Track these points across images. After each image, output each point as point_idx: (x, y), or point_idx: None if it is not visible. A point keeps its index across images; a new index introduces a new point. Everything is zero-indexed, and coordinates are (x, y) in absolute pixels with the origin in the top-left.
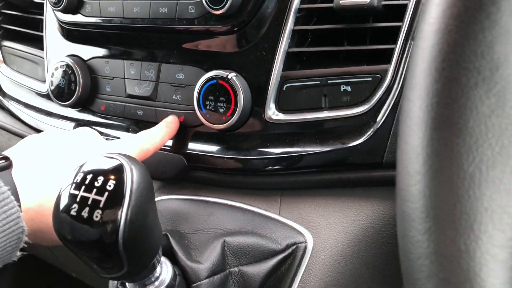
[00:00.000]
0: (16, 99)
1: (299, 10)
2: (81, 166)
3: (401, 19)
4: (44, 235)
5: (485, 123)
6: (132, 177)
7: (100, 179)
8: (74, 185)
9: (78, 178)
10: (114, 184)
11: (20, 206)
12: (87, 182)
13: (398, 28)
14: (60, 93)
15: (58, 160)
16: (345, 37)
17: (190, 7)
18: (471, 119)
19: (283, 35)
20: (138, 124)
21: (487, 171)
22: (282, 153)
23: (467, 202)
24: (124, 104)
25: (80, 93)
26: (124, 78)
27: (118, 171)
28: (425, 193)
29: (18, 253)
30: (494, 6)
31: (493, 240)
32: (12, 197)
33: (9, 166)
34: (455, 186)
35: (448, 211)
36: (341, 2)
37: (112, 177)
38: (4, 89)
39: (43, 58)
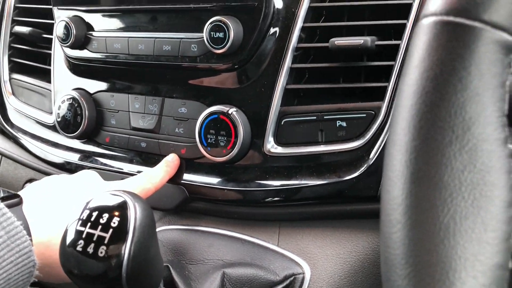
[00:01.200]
0: (24, 130)
1: (297, 49)
2: (87, 203)
3: (394, 58)
4: (53, 270)
5: (458, 177)
6: (135, 214)
7: (105, 216)
8: (80, 221)
9: (84, 215)
10: (118, 221)
11: (31, 240)
12: (92, 219)
13: (391, 67)
14: (66, 125)
15: (65, 199)
16: (340, 74)
17: (192, 45)
18: (446, 174)
19: (281, 72)
20: (142, 155)
21: (461, 222)
22: (280, 185)
23: (443, 250)
24: (128, 136)
25: (85, 125)
26: (129, 111)
27: (122, 208)
28: (404, 241)
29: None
30: (465, 71)
31: (466, 286)
32: (24, 232)
33: (19, 202)
34: (432, 236)
35: (426, 258)
36: (336, 42)
37: (116, 213)
38: (12, 120)
39: (50, 90)
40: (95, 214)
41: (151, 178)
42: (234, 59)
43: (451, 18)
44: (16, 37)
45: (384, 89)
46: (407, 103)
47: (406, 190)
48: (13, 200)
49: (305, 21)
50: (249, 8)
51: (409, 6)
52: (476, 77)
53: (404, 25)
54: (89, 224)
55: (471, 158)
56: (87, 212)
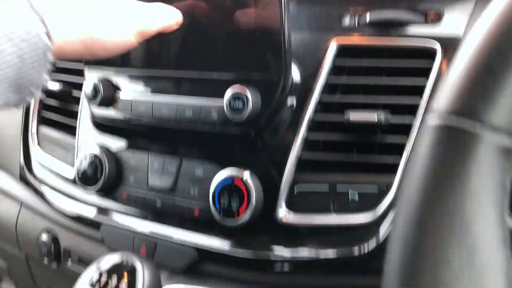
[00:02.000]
0: (45, 181)
1: (312, 120)
2: (98, 263)
3: (407, 134)
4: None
5: (457, 278)
6: (143, 280)
7: (114, 278)
8: (90, 282)
9: (94, 276)
10: (127, 285)
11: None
12: (102, 281)
13: (405, 144)
14: (86, 179)
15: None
16: (354, 146)
17: (212, 112)
18: (445, 274)
19: (296, 142)
20: (156, 214)
21: None
22: (291, 255)
23: None
24: (145, 194)
25: (105, 181)
26: (148, 170)
27: (130, 273)
28: None
29: (47, 77)
30: (465, 172)
31: None
32: (32, 11)
33: None
34: None
35: None
36: (350, 118)
37: (125, 277)
38: (35, 170)
39: (74, 145)
40: (104, 276)
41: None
42: (251, 127)
43: (453, 120)
44: (46, 92)
45: (397, 164)
46: (409, 200)
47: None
48: None
49: (321, 95)
50: (268, 81)
51: (423, 86)
52: (476, 178)
53: (418, 104)
54: (97, 286)
55: (470, 258)
56: (97, 273)
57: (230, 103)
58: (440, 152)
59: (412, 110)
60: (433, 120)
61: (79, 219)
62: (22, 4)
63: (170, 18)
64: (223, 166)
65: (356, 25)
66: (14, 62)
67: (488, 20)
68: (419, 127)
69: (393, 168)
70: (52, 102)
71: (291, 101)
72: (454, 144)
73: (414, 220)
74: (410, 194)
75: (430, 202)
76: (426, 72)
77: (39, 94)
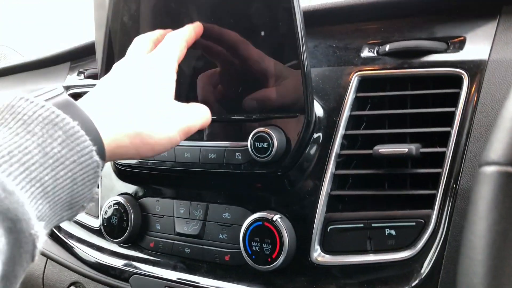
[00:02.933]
0: (70, 233)
1: (339, 155)
2: None
3: (440, 165)
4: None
5: None
6: None
7: None
8: None
9: None
10: None
11: (94, 138)
12: None
13: (438, 174)
14: (112, 230)
15: (129, 87)
16: (385, 180)
17: (237, 154)
18: None
19: (325, 178)
20: (185, 262)
21: None
22: None
23: None
24: (172, 241)
25: (130, 230)
26: (174, 216)
27: None
28: None
29: (97, 190)
30: None
31: None
32: (82, 131)
33: (61, 93)
34: None
35: None
36: (380, 150)
37: None
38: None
39: (97, 195)
40: None
41: (177, 33)
42: (277, 166)
43: None
44: None
45: (433, 196)
46: (477, 257)
47: None
48: (55, 92)
49: (346, 129)
50: (292, 119)
51: (452, 114)
52: None
53: (449, 133)
54: None
55: None
56: None
57: (254, 144)
58: (505, 203)
59: (442, 139)
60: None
61: (106, 270)
62: (71, 124)
63: (207, 116)
64: (252, 208)
65: (376, 56)
66: (67, 184)
67: None
68: (457, 136)
69: (429, 200)
70: None
71: (317, 137)
72: None
73: (483, 280)
74: (477, 251)
75: (502, 259)
76: (453, 100)
77: (88, 207)
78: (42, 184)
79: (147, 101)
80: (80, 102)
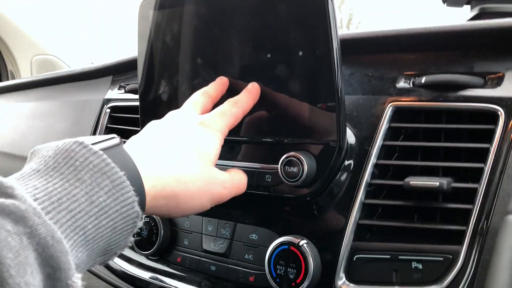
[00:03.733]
0: None
1: (370, 184)
2: None
3: (471, 201)
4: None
5: None
6: None
7: None
8: None
9: None
10: None
11: (138, 189)
12: None
13: (469, 210)
14: (141, 242)
15: (171, 141)
16: (415, 212)
17: (267, 176)
18: None
19: (354, 207)
20: (211, 279)
21: None
22: None
23: None
24: (199, 258)
25: (160, 244)
26: (202, 233)
27: None
28: None
29: (132, 239)
30: None
31: None
32: (127, 182)
33: (119, 143)
34: None
35: None
36: (411, 182)
37: None
38: None
39: (131, 243)
40: None
41: (235, 102)
42: (306, 191)
43: None
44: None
45: (462, 232)
46: None
47: None
48: (111, 142)
49: (378, 158)
50: (323, 145)
51: (486, 151)
52: None
53: (482, 169)
54: None
55: None
56: None
57: (284, 168)
58: None
59: (475, 175)
60: None
61: (133, 281)
62: (119, 174)
63: (243, 185)
64: (279, 231)
65: (412, 87)
66: (107, 233)
67: None
68: (491, 174)
69: (458, 236)
70: None
71: (347, 165)
72: None
73: None
74: None
75: None
76: (488, 136)
77: (119, 253)
78: (84, 233)
79: (190, 167)
80: (130, 150)
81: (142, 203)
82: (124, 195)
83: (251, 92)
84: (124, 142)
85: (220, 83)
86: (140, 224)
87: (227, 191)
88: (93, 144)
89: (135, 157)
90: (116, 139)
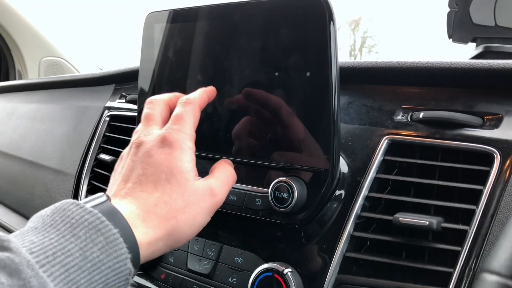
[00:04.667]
0: None
1: (359, 217)
2: None
3: (460, 243)
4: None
5: None
6: None
7: None
8: None
9: None
10: None
11: (131, 246)
12: None
13: (458, 252)
14: None
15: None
16: (403, 249)
17: (257, 199)
18: None
19: (342, 238)
20: None
21: None
22: None
23: None
24: (183, 277)
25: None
26: (188, 252)
27: None
28: None
29: None
30: None
31: None
32: (121, 239)
33: (107, 199)
34: None
35: None
36: (400, 219)
37: None
38: None
39: None
40: None
41: (186, 100)
42: (295, 218)
43: None
44: (99, 162)
45: (449, 274)
46: None
47: None
48: (100, 199)
49: (370, 190)
50: (315, 172)
51: (479, 192)
52: None
53: (474, 211)
54: None
55: None
56: None
57: (275, 193)
58: None
59: (466, 215)
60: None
61: None
62: (113, 231)
63: (232, 179)
64: (264, 256)
65: (409, 121)
66: None
67: None
68: (482, 217)
69: (445, 278)
70: (103, 172)
71: (338, 194)
72: None
73: None
74: None
75: None
76: (482, 177)
77: None
78: (77, 287)
79: (174, 197)
80: (116, 201)
81: (135, 260)
82: (117, 252)
83: (205, 89)
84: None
85: (210, 90)
86: (132, 281)
87: (220, 195)
88: (85, 203)
89: (122, 208)
90: (103, 197)
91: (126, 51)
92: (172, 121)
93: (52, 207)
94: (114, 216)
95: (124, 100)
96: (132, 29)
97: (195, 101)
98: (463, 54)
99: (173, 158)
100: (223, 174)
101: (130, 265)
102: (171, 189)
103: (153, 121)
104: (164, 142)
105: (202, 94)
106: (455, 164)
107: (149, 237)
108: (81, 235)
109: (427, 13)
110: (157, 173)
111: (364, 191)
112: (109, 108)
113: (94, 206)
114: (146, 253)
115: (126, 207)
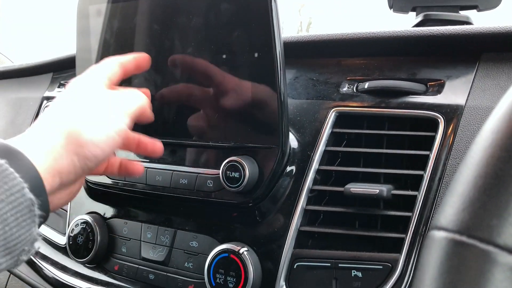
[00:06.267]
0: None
1: (311, 190)
2: None
3: (411, 209)
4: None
5: None
6: None
7: None
8: None
9: None
10: None
11: (27, 175)
12: None
13: (409, 217)
14: (77, 249)
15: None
16: (356, 219)
17: (208, 181)
18: None
19: (295, 213)
20: None
21: None
22: None
23: None
24: (137, 266)
25: (96, 251)
26: (140, 240)
27: None
28: None
29: (38, 231)
30: None
31: None
32: (11, 169)
33: None
34: None
35: None
36: (351, 189)
37: None
38: None
39: (66, 211)
40: None
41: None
42: (248, 197)
43: (463, 238)
44: None
45: (402, 240)
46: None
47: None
48: None
49: (320, 164)
50: (265, 150)
51: (425, 158)
52: None
53: (422, 176)
54: None
55: None
56: None
57: (226, 173)
58: (450, 273)
59: (415, 181)
60: (441, 234)
61: None
62: None
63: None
64: (220, 238)
65: (355, 92)
66: None
67: (498, 123)
68: (429, 181)
69: (398, 244)
70: None
71: (290, 170)
72: (466, 263)
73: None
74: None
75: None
76: (428, 143)
77: (33, 250)
78: None
79: (76, 104)
80: (16, 141)
81: (36, 189)
82: (8, 183)
83: (136, 55)
84: None
85: (140, 57)
86: (38, 212)
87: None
88: None
89: (23, 141)
90: None
91: (60, 37)
92: (125, 92)
93: None
94: (3, 148)
95: (63, 89)
96: (65, 12)
97: (116, 61)
98: (404, 25)
99: (85, 87)
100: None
101: (30, 195)
102: (74, 101)
103: (102, 75)
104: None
105: (128, 57)
106: (402, 131)
107: (46, 144)
108: None
109: None
110: (68, 99)
111: (314, 165)
112: (48, 98)
113: None
114: (50, 170)
115: (28, 135)
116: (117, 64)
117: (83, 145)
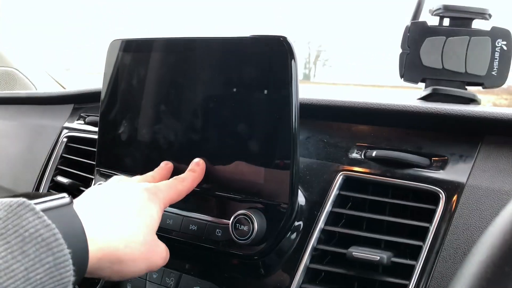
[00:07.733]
0: None
1: (315, 249)
2: None
3: (408, 277)
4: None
5: None
6: None
7: None
8: None
9: None
10: None
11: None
12: None
13: (406, 286)
14: (85, 280)
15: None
16: (356, 280)
17: (217, 230)
18: None
19: (298, 270)
20: None
21: None
22: None
23: None
24: None
25: (102, 285)
26: (146, 280)
27: None
28: None
29: None
30: None
31: None
32: (70, 261)
33: (69, 202)
34: None
35: None
36: (353, 254)
37: None
38: None
39: None
40: None
41: (182, 180)
42: (254, 250)
43: None
44: (55, 184)
45: None
46: None
47: None
48: (61, 201)
49: (325, 224)
50: (275, 206)
51: (425, 229)
52: None
53: (421, 247)
54: None
55: None
56: None
57: (235, 225)
58: None
59: (414, 251)
60: None
61: None
62: (64, 252)
63: (167, 259)
64: (223, 287)
65: (363, 158)
66: None
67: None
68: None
69: None
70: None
71: (297, 226)
72: None
73: None
74: None
75: None
76: (429, 215)
77: None
78: None
79: (138, 231)
80: (79, 209)
81: (79, 274)
82: (62, 275)
83: (195, 172)
84: (74, 196)
85: (164, 168)
86: None
87: (162, 262)
88: (43, 202)
89: (84, 217)
90: (67, 199)
91: (60, 37)
92: (161, 183)
93: (6, 206)
94: (69, 219)
95: (83, 122)
96: (65, 12)
97: (188, 186)
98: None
99: (148, 204)
100: (167, 253)
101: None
102: (138, 226)
103: (140, 179)
104: (146, 190)
105: (194, 179)
106: (404, 201)
107: (102, 253)
108: (31, 253)
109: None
110: (130, 208)
111: (320, 224)
112: (67, 129)
113: (52, 209)
114: (92, 268)
115: (88, 217)
116: (184, 192)
117: (123, 272)
